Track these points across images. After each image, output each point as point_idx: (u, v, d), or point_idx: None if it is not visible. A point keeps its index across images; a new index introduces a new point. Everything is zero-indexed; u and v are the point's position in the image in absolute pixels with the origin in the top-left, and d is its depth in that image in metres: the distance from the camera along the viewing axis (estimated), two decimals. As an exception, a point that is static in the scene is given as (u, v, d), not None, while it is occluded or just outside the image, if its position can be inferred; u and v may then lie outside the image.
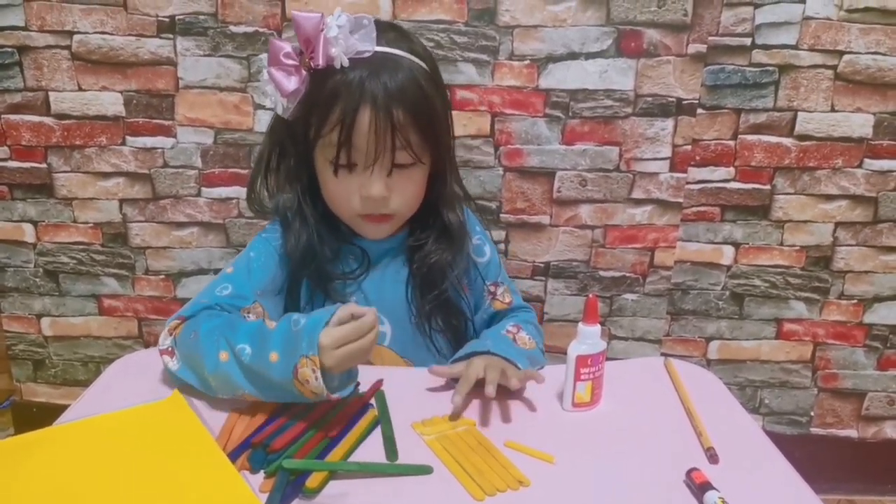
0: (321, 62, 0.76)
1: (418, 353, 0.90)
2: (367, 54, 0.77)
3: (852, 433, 1.45)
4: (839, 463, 1.44)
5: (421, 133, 0.80)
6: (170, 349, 0.77)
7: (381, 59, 0.78)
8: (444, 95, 0.87)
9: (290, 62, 0.77)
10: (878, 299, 1.36)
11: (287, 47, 0.77)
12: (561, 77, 1.23)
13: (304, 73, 0.78)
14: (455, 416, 0.72)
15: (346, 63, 0.76)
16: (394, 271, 0.91)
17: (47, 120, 1.28)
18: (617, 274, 1.35)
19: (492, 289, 0.96)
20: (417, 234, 0.90)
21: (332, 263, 0.88)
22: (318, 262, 0.85)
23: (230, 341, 0.70)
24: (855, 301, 1.36)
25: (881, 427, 1.45)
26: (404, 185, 0.83)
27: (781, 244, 1.33)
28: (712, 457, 0.66)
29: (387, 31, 0.81)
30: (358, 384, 0.75)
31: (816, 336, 1.39)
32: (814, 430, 1.45)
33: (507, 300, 0.97)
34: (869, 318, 1.37)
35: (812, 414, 1.44)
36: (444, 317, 0.90)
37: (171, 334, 0.78)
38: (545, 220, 1.32)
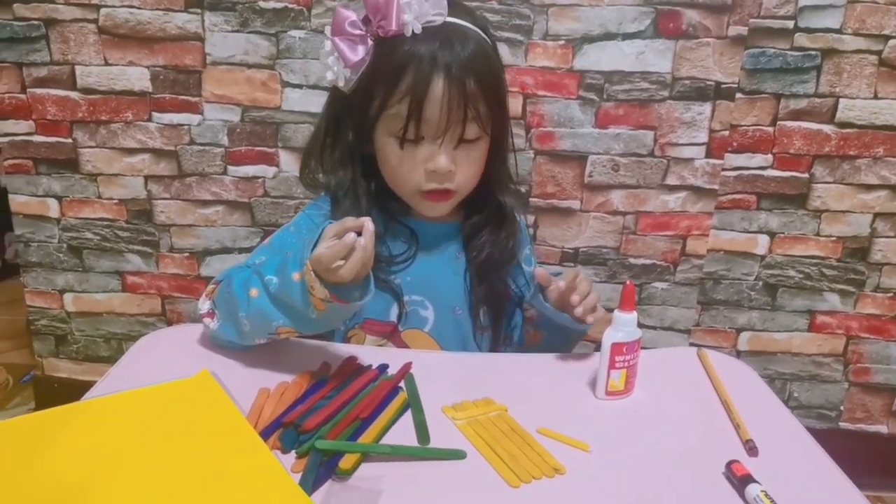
0: (394, 28, 0.74)
1: (457, 344, 0.88)
2: (437, 22, 0.75)
3: (882, 429, 1.42)
4: (868, 459, 1.39)
5: (488, 105, 0.78)
6: (210, 311, 0.78)
7: (451, 29, 0.76)
8: (503, 70, 0.85)
9: (357, 31, 0.75)
10: (916, 293, 1.33)
11: (353, 16, 0.76)
12: (596, 58, 1.20)
13: (370, 42, 0.76)
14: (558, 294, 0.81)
15: (418, 30, 0.74)
16: (448, 258, 0.89)
17: (73, 94, 1.27)
18: (647, 262, 1.32)
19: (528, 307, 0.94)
20: (473, 220, 0.88)
21: (379, 242, 0.86)
22: None
23: (261, 276, 0.72)
24: (891, 294, 1.33)
25: (912, 423, 1.42)
26: (469, 161, 0.81)
27: (818, 234, 1.30)
28: (751, 449, 0.64)
29: (452, 4, 0.79)
30: (387, 367, 0.75)
31: (850, 329, 1.36)
32: (843, 424, 1.43)
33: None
34: (905, 312, 1.34)
35: (842, 408, 1.41)
36: (492, 311, 0.89)
37: (209, 298, 0.80)
38: (575, 205, 1.29)
